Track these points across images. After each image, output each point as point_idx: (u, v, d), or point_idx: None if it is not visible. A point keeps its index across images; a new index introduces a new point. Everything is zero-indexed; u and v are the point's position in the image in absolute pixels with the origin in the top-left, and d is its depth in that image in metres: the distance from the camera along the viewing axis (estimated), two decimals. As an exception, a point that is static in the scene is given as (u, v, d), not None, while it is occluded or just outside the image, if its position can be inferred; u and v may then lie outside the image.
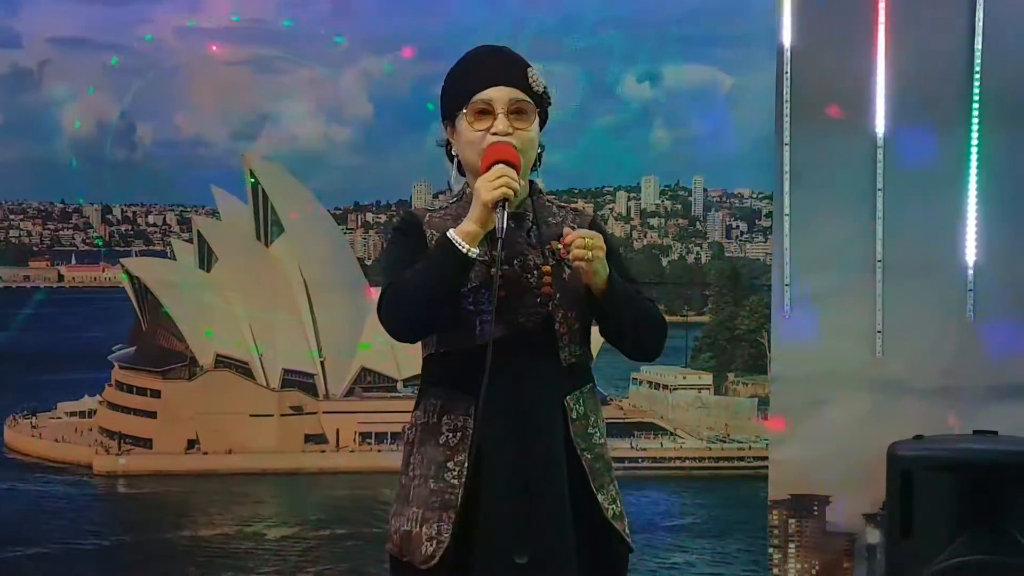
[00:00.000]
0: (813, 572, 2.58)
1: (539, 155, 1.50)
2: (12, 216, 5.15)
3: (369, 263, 4.94)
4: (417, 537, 1.43)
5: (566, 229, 1.43)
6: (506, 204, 1.38)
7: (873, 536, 2.50)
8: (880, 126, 2.49)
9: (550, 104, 1.50)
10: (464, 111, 1.46)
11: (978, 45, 2.42)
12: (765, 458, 2.80)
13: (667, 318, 1.58)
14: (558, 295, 1.44)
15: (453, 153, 1.51)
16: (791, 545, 2.60)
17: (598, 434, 1.50)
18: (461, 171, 1.51)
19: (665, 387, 4.72)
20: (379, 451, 4.61)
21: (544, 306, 1.44)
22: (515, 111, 1.45)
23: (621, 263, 1.52)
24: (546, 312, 1.44)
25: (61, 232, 5.21)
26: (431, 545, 1.42)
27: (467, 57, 1.51)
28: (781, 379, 2.61)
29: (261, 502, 4.66)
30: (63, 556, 4.27)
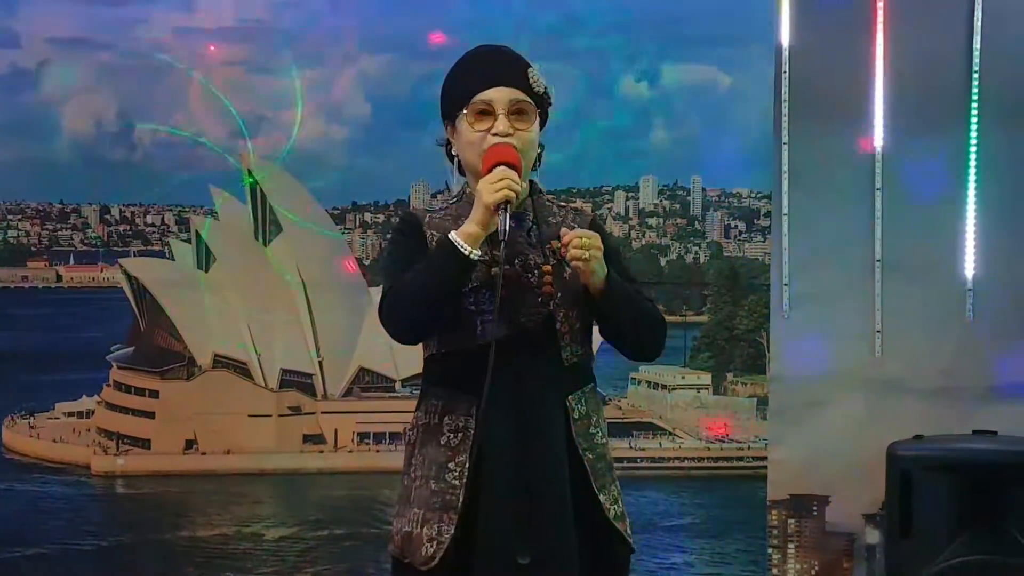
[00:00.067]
0: (812, 572, 2.58)
1: (539, 155, 1.50)
2: (10, 216, 5.12)
3: (367, 263, 4.93)
4: (418, 538, 1.42)
5: (564, 229, 1.43)
6: (508, 206, 1.37)
7: (872, 536, 2.49)
8: (879, 125, 2.48)
9: (550, 104, 1.49)
10: (464, 111, 1.45)
11: (977, 44, 2.41)
12: (764, 458, 2.79)
13: (666, 318, 1.57)
14: (559, 294, 1.43)
15: (453, 153, 1.50)
16: (790, 545, 2.59)
17: (600, 434, 1.49)
18: (461, 171, 1.50)
19: (664, 387, 4.70)
20: (377, 451, 4.59)
21: (545, 305, 1.43)
22: (515, 112, 1.44)
23: (621, 263, 1.50)
24: (547, 311, 1.43)
25: (59, 232, 5.18)
26: (431, 546, 1.40)
27: (467, 57, 1.49)
28: (780, 379, 2.60)
29: (259, 502, 4.65)
30: (61, 556, 4.26)
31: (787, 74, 2.50)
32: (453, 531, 1.39)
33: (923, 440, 2.36)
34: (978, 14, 2.40)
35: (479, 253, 1.37)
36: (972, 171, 2.44)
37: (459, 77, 1.48)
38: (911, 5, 2.45)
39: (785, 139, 2.51)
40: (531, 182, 1.48)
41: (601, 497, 1.45)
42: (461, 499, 1.39)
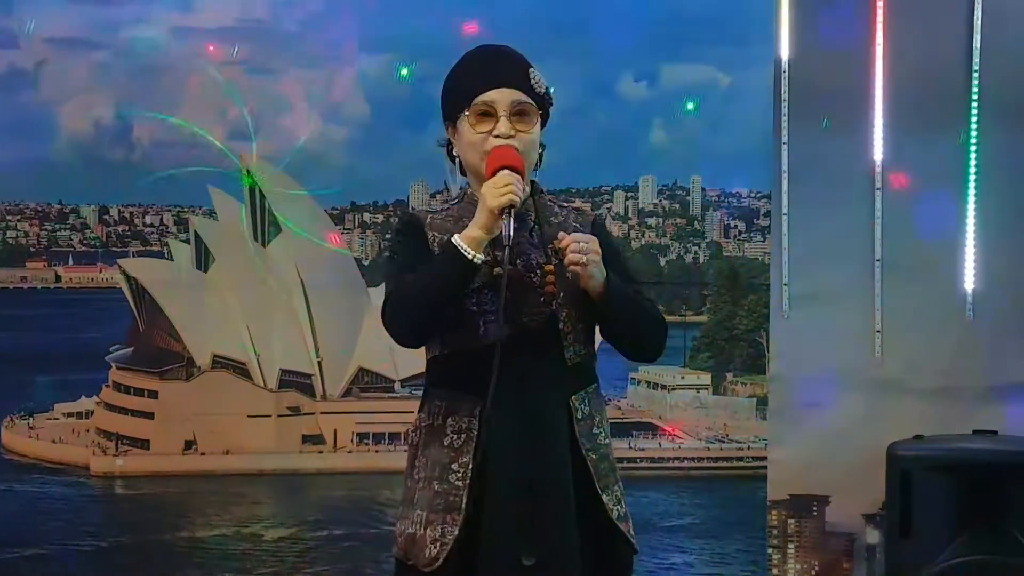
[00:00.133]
0: (812, 572, 2.57)
1: (540, 155, 1.50)
2: (9, 217, 5.11)
3: (366, 263, 4.93)
4: (421, 540, 1.42)
5: (560, 234, 1.43)
6: (512, 211, 1.38)
7: (872, 536, 2.49)
8: (878, 125, 2.48)
9: (552, 105, 1.49)
10: (466, 112, 1.45)
11: (977, 44, 2.41)
12: (764, 458, 2.79)
13: (666, 318, 1.57)
14: (561, 294, 1.43)
15: (454, 154, 1.50)
16: (790, 545, 2.59)
17: (603, 434, 1.49)
18: (462, 171, 1.50)
19: (663, 387, 4.70)
20: (376, 452, 4.59)
21: (548, 305, 1.43)
22: (517, 113, 1.44)
23: (622, 263, 1.51)
24: (550, 311, 1.44)
25: (58, 233, 5.17)
26: (435, 547, 1.40)
27: (468, 57, 1.50)
28: (780, 379, 2.60)
29: (258, 503, 4.64)
30: (60, 557, 4.25)
31: (787, 74, 2.50)
32: (457, 532, 1.39)
33: (923, 440, 2.36)
34: (978, 13, 2.39)
35: (483, 257, 1.38)
36: (972, 171, 2.44)
37: (460, 78, 1.48)
38: (911, 5, 2.45)
39: (785, 139, 2.51)
40: (532, 182, 1.48)
41: (604, 497, 1.45)
42: (465, 500, 1.40)
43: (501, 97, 1.44)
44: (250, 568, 4.24)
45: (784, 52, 2.49)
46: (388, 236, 4.56)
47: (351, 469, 4.74)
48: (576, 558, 1.42)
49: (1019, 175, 2.45)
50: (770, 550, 2.61)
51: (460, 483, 1.41)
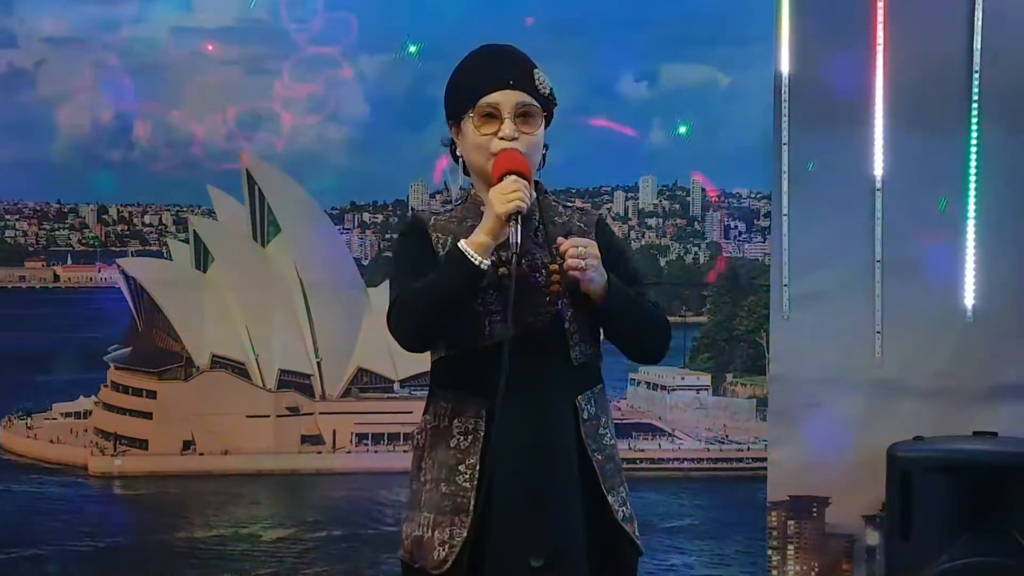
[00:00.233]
0: (812, 574, 2.57)
1: (543, 156, 1.50)
2: (8, 216, 5.13)
3: (366, 263, 4.96)
4: (429, 542, 1.42)
5: (560, 239, 1.42)
6: (520, 218, 1.38)
7: (872, 538, 2.49)
8: (879, 125, 2.48)
9: (556, 106, 1.49)
10: (470, 113, 1.45)
11: (977, 45, 2.41)
12: (764, 459, 2.80)
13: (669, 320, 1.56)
14: (567, 293, 1.43)
15: (458, 154, 1.50)
16: (790, 547, 2.59)
17: (608, 435, 1.49)
18: (465, 171, 1.50)
19: (663, 388, 4.72)
20: (376, 452, 4.59)
21: (553, 305, 1.43)
22: (521, 114, 1.44)
23: (628, 264, 1.51)
24: (555, 311, 1.44)
25: (57, 232, 5.19)
26: (443, 549, 1.40)
27: (472, 57, 1.50)
28: (780, 380, 2.60)
29: (257, 503, 4.64)
30: (58, 557, 4.25)
31: (787, 75, 2.50)
32: (466, 534, 1.39)
33: (923, 441, 2.36)
34: (978, 14, 2.40)
35: (488, 263, 1.38)
36: (972, 171, 2.44)
37: (464, 78, 1.48)
38: (911, 5, 2.46)
39: (785, 139, 2.51)
40: (536, 182, 1.48)
41: (610, 498, 1.45)
42: (472, 502, 1.40)
43: (505, 99, 1.43)
44: (249, 568, 4.24)
45: (784, 53, 2.50)
46: (388, 236, 4.54)
47: (350, 469, 4.74)
48: (583, 560, 1.42)
49: (1019, 176, 2.46)
50: (770, 551, 2.61)
51: (468, 484, 1.41)
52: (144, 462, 5.14)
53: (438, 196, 4.99)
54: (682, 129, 3.69)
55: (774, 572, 2.61)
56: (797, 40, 2.50)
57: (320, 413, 5.16)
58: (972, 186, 2.46)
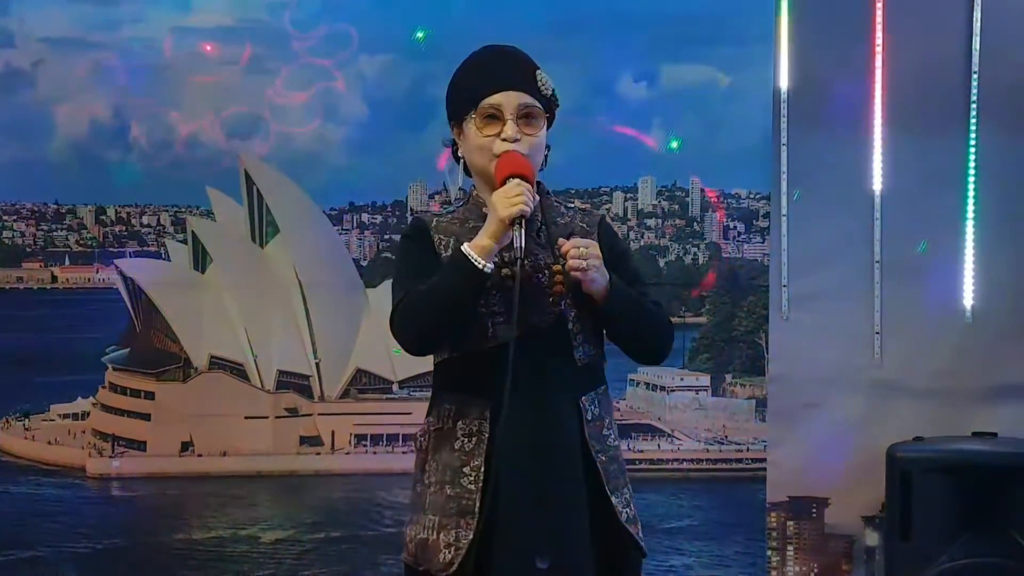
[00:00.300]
0: (811, 574, 2.57)
1: (545, 156, 1.50)
2: (5, 217, 5.12)
3: (365, 264, 4.95)
4: (434, 545, 1.42)
5: (560, 240, 1.42)
6: (523, 222, 1.38)
7: (872, 538, 2.49)
8: (878, 126, 2.48)
9: (558, 107, 1.49)
10: (472, 115, 1.45)
11: (976, 46, 2.41)
12: (763, 460, 2.80)
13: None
14: (570, 294, 1.43)
15: (459, 155, 1.50)
16: (789, 547, 2.59)
17: (612, 436, 1.49)
18: (467, 172, 1.50)
19: (662, 388, 4.73)
20: (375, 453, 4.59)
21: (556, 305, 1.43)
22: (524, 116, 1.44)
23: (630, 264, 1.51)
24: (559, 312, 1.43)
25: (55, 233, 5.18)
26: (449, 552, 1.40)
27: (474, 58, 1.49)
28: (779, 380, 2.60)
29: (256, 505, 4.64)
30: (56, 559, 4.24)
31: (786, 75, 2.50)
32: (471, 536, 1.39)
33: (923, 441, 2.36)
34: (977, 15, 2.40)
35: (492, 266, 1.38)
36: (971, 172, 2.44)
37: (466, 79, 1.48)
38: (910, 6, 2.46)
39: (784, 140, 2.51)
40: (538, 183, 1.48)
41: (614, 499, 1.45)
42: (478, 504, 1.39)
43: (508, 100, 1.43)
44: (247, 570, 4.24)
45: (784, 54, 2.50)
46: (387, 237, 4.53)
47: (349, 471, 4.73)
48: (589, 561, 1.41)
49: (1018, 177, 2.46)
50: (769, 552, 2.61)
51: (473, 486, 1.40)
52: (142, 463, 5.12)
53: (437, 197, 4.97)
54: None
55: (773, 573, 2.61)
56: (796, 41, 2.50)
57: (319, 414, 5.15)
58: (971, 187, 2.46)
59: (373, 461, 5.06)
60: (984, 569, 2.21)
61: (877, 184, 2.49)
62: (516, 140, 1.43)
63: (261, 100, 4.67)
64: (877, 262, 2.49)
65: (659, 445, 4.84)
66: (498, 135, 1.44)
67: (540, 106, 1.46)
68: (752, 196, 4.90)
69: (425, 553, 1.44)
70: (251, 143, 4.84)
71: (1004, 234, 2.47)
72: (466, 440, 1.43)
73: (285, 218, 5.13)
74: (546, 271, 1.43)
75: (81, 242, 5.38)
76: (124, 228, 5.40)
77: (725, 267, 4.71)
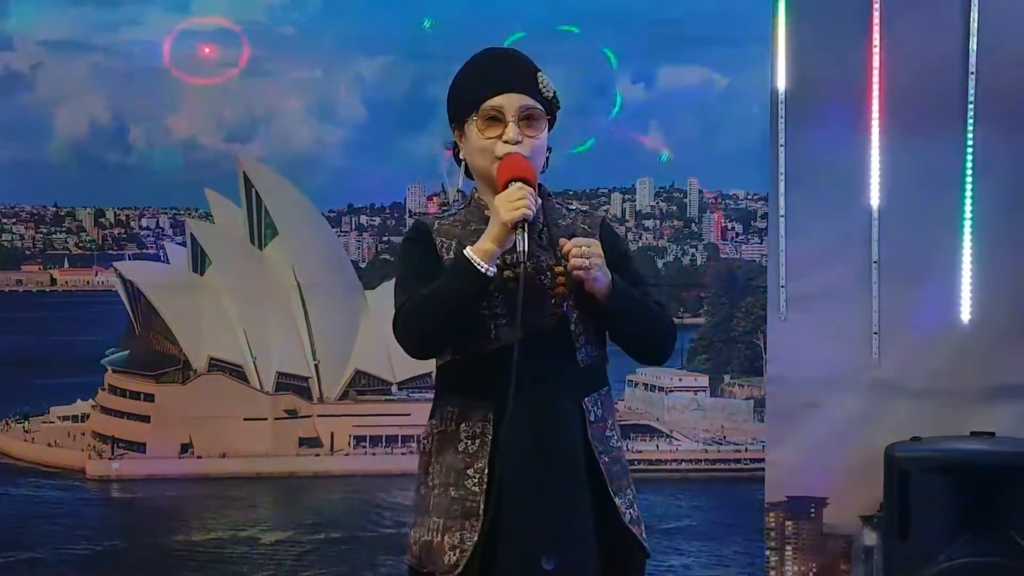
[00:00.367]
0: (810, 574, 2.57)
1: (546, 158, 1.50)
2: (4, 219, 5.12)
3: (364, 266, 4.96)
4: (439, 547, 1.42)
5: (562, 240, 1.43)
6: (526, 226, 1.38)
7: (870, 538, 2.49)
8: (875, 127, 2.48)
9: (559, 109, 1.49)
10: (474, 117, 1.45)
11: (973, 46, 2.42)
12: (761, 460, 2.80)
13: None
14: (572, 295, 1.43)
15: (461, 157, 1.50)
16: (788, 547, 2.59)
17: (615, 437, 1.49)
18: (468, 174, 1.50)
19: (661, 389, 4.73)
20: (374, 454, 4.59)
21: (559, 307, 1.43)
22: (525, 118, 1.44)
23: (632, 265, 1.51)
24: (561, 313, 1.43)
25: (54, 235, 5.19)
26: (454, 554, 1.40)
27: (476, 60, 1.50)
28: (777, 381, 2.60)
29: (255, 506, 4.64)
30: (56, 560, 4.25)
31: (784, 75, 2.50)
32: (476, 538, 1.39)
33: (921, 441, 2.36)
34: (974, 15, 2.40)
35: (495, 270, 1.38)
36: (969, 172, 2.45)
37: (468, 81, 1.48)
38: (907, 7, 2.46)
39: (782, 141, 2.51)
40: (540, 185, 1.48)
41: (617, 500, 1.44)
42: (482, 506, 1.39)
43: (509, 102, 1.43)
44: (247, 572, 4.24)
45: (781, 54, 2.50)
46: (385, 239, 4.53)
47: (348, 472, 4.73)
48: (594, 562, 1.41)
49: (1016, 177, 2.46)
50: (768, 552, 2.61)
51: (477, 488, 1.40)
52: (142, 465, 5.12)
53: (435, 198, 4.97)
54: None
55: (772, 573, 2.61)
56: (794, 42, 2.50)
57: (318, 416, 5.14)
58: (968, 187, 2.46)
59: (372, 462, 5.06)
60: (982, 568, 2.21)
61: (875, 185, 2.50)
62: (518, 142, 1.43)
63: (260, 102, 4.66)
64: (875, 263, 2.49)
65: (658, 445, 4.84)
66: (500, 137, 1.44)
67: (541, 108, 1.46)
68: (750, 197, 4.90)
69: (430, 555, 1.44)
70: (250, 145, 4.83)
71: (1002, 234, 2.47)
72: (469, 442, 1.43)
73: (284, 220, 5.13)
74: (548, 273, 1.43)
75: (80, 244, 5.38)
76: (123, 230, 5.40)
77: (723, 268, 4.71)
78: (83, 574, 4.36)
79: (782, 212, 2.52)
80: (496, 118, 1.44)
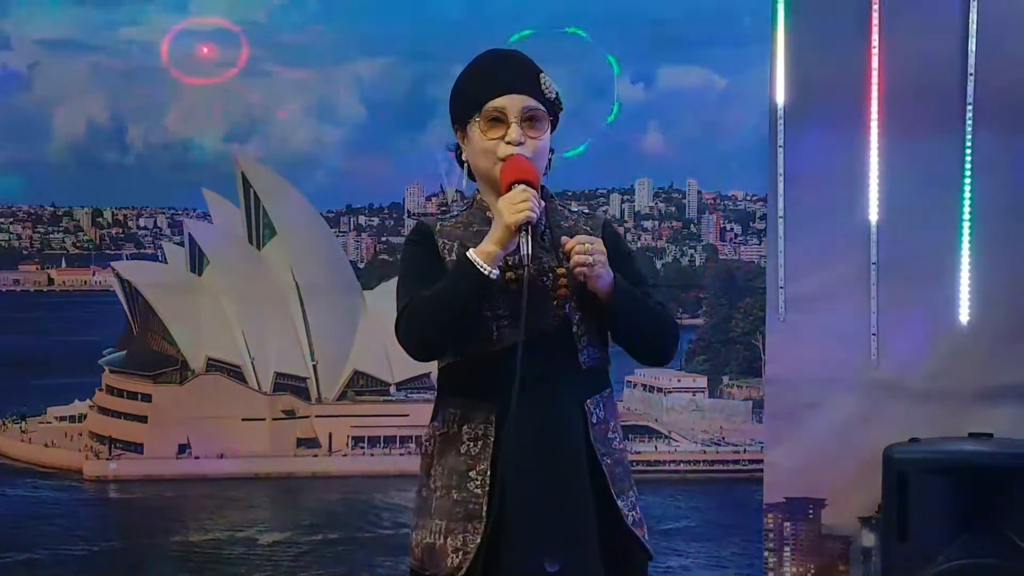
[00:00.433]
0: (808, 575, 2.57)
1: (549, 160, 1.50)
2: (2, 219, 5.12)
3: (362, 266, 4.96)
4: (441, 549, 1.42)
5: (564, 238, 1.43)
6: (530, 228, 1.38)
7: (869, 539, 2.49)
8: (874, 128, 2.49)
9: (561, 110, 1.50)
10: (476, 118, 1.44)
11: (972, 47, 2.42)
12: (760, 461, 2.80)
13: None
14: (574, 297, 1.43)
15: (463, 159, 1.50)
16: (786, 548, 2.59)
17: (617, 439, 1.48)
18: (471, 175, 1.50)
19: (659, 390, 4.73)
20: (372, 455, 4.59)
21: (561, 308, 1.43)
22: (528, 119, 1.44)
23: (634, 266, 1.51)
24: (563, 314, 1.44)
25: (51, 235, 5.18)
26: (457, 556, 1.40)
27: (478, 61, 1.49)
28: (776, 382, 2.60)
29: (253, 507, 4.63)
30: (53, 561, 4.24)
31: (783, 77, 2.50)
32: (479, 541, 1.39)
33: (919, 443, 2.37)
34: (973, 16, 2.41)
35: (497, 272, 1.38)
36: (968, 173, 2.45)
37: (470, 83, 1.48)
38: (906, 7, 2.46)
39: (781, 142, 2.52)
40: (542, 186, 1.48)
41: (619, 502, 1.45)
42: (485, 508, 1.39)
43: (512, 103, 1.44)
44: (245, 572, 4.23)
45: (780, 55, 2.50)
46: (384, 239, 4.53)
47: (346, 472, 4.73)
48: (598, 564, 1.41)
49: (1014, 178, 2.47)
50: (766, 553, 2.61)
51: (479, 491, 1.40)
52: (139, 466, 5.11)
53: (434, 199, 4.97)
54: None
55: (770, 574, 2.61)
56: (793, 43, 2.50)
57: (316, 416, 5.14)
58: (967, 188, 2.46)
59: (370, 463, 5.05)
60: (981, 569, 2.22)
61: (873, 186, 2.50)
62: (520, 143, 1.44)
63: (258, 102, 4.66)
64: (874, 264, 2.49)
65: (656, 447, 4.84)
66: (502, 138, 1.44)
67: (544, 109, 1.46)
68: (749, 198, 4.90)
69: (432, 558, 1.44)
70: (248, 145, 4.83)
71: (1000, 235, 2.48)
72: (472, 444, 1.43)
73: (282, 220, 5.12)
74: (550, 274, 1.43)
75: (78, 244, 5.37)
76: (121, 230, 5.39)
77: (722, 269, 4.71)
78: (80, 575, 4.35)
79: (781, 213, 2.53)
80: (499, 119, 1.44)
